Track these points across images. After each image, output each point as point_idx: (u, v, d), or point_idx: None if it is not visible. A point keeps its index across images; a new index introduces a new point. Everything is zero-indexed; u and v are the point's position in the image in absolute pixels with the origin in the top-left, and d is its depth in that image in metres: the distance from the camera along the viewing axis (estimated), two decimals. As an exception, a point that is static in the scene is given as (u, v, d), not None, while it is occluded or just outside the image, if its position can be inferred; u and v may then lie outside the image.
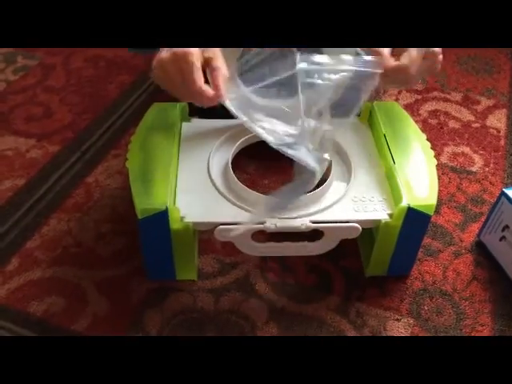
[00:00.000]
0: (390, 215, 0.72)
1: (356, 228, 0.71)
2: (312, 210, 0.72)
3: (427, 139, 0.81)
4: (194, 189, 0.74)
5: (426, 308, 0.77)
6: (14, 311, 0.74)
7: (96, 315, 0.74)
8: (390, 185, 0.76)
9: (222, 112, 0.78)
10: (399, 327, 0.75)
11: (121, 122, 1.07)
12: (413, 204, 0.70)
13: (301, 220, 0.70)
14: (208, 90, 0.65)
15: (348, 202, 0.74)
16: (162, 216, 0.68)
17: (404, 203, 0.70)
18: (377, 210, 0.72)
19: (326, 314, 0.76)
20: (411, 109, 1.14)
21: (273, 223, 0.69)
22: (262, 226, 0.69)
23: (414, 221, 0.71)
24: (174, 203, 0.71)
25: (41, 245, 0.83)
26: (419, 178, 0.74)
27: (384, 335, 0.73)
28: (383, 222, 0.71)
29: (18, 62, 1.23)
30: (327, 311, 0.76)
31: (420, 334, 0.74)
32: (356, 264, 0.82)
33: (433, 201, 0.72)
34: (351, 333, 0.74)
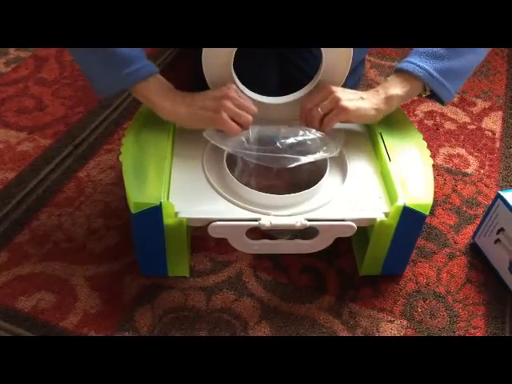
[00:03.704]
0: (386, 214, 0.71)
1: (351, 226, 0.70)
2: (307, 207, 0.71)
3: (423, 139, 0.81)
4: (189, 184, 0.73)
5: (420, 310, 0.77)
6: (1, 306, 0.73)
7: (86, 312, 0.73)
8: (385, 184, 0.75)
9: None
10: (392, 329, 0.74)
11: (114, 117, 1.06)
12: (408, 203, 0.69)
13: (296, 218, 0.69)
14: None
15: (343, 201, 0.73)
16: (156, 211, 0.67)
17: (400, 202, 0.70)
18: (372, 209, 0.72)
19: (319, 314, 0.75)
20: (407, 109, 1.13)
21: (268, 220, 0.68)
22: (256, 223, 0.68)
23: (410, 220, 0.71)
24: (168, 198, 0.70)
25: (31, 239, 0.82)
26: (415, 177, 0.74)
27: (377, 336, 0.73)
28: (378, 220, 0.71)
29: (11, 53, 1.22)
30: (320, 311, 0.76)
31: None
32: (350, 263, 0.82)
33: (429, 200, 0.71)
34: (344, 333, 0.73)
